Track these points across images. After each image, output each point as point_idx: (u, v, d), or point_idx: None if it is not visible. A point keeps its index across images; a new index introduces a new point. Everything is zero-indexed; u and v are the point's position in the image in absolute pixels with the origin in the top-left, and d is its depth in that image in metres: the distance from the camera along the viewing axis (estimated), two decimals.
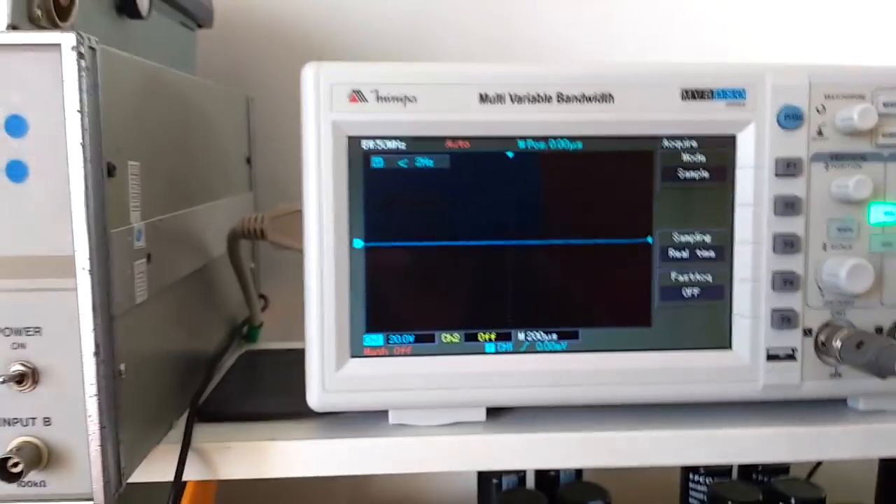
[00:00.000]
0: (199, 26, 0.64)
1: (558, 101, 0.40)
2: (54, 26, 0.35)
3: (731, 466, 0.66)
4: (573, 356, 0.42)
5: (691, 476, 0.66)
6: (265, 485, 0.72)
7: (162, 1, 0.53)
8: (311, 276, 0.40)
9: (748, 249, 0.42)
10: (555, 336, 0.42)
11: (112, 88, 0.33)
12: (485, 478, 0.64)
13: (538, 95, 0.40)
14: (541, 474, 0.65)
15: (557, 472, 0.64)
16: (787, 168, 0.41)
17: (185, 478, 0.39)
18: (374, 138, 0.40)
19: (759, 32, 0.73)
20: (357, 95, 0.39)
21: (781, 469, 0.65)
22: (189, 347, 0.46)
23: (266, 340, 0.63)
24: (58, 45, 0.30)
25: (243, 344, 0.61)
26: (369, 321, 0.41)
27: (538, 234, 0.41)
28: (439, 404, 0.42)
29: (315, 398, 0.41)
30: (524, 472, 0.64)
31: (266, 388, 0.49)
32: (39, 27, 0.34)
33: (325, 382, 0.40)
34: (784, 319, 0.42)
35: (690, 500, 0.66)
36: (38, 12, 0.34)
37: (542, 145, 0.41)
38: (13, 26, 0.32)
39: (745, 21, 0.73)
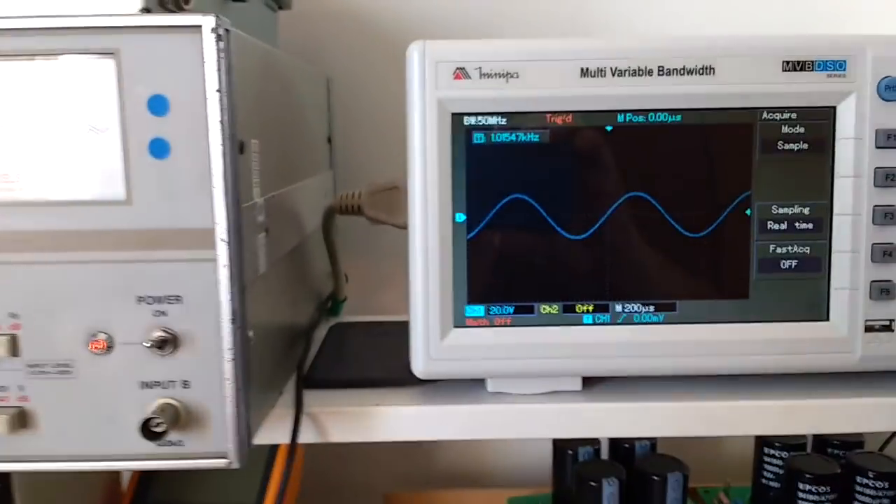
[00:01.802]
0: (280, 7, 0.65)
1: (659, 73, 0.41)
2: (179, 9, 0.37)
3: (806, 441, 0.66)
4: (670, 328, 0.43)
5: (766, 450, 0.66)
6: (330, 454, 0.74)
7: None
8: (415, 250, 0.42)
9: (847, 221, 0.42)
10: (652, 308, 0.43)
11: (240, 69, 0.34)
12: (560, 449, 0.65)
13: (639, 69, 0.41)
14: (616, 446, 0.66)
15: (632, 444, 0.65)
16: (888, 140, 0.41)
17: (298, 441, 0.41)
18: (476, 115, 0.41)
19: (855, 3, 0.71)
20: (461, 73, 0.40)
21: (856, 443, 0.65)
22: (291, 319, 0.48)
23: (345, 314, 0.65)
24: (199, 27, 0.32)
25: (327, 317, 0.63)
26: (471, 293, 0.42)
27: (636, 208, 0.42)
28: (537, 374, 0.44)
29: (420, 366, 0.42)
30: (599, 443, 0.65)
31: (362, 357, 0.51)
32: (167, 10, 0.36)
33: (430, 351, 0.42)
34: (883, 291, 0.42)
35: (765, 473, 0.66)
36: None
37: (641, 119, 0.41)
38: (146, 9, 0.34)
39: None
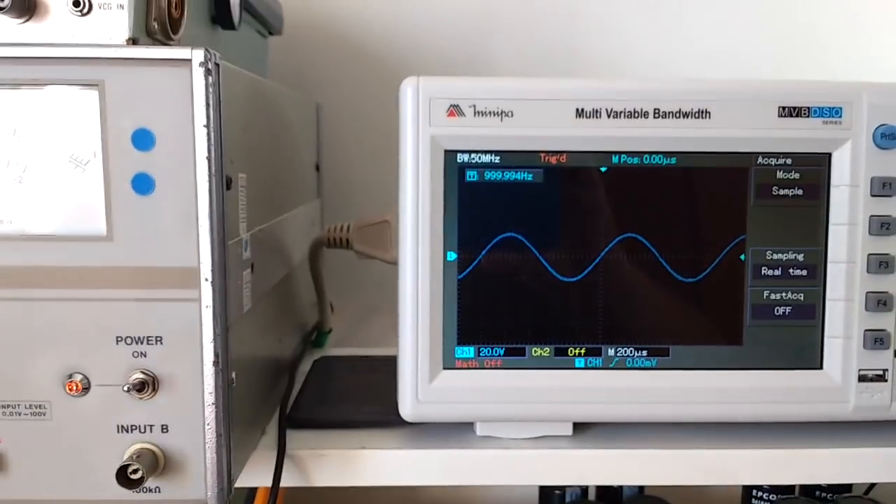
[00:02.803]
0: (270, 33, 0.65)
1: (655, 116, 0.40)
2: (167, 39, 0.36)
3: (795, 484, 0.65)
4: (663, 373, 0.42)
5: (754, 493, 0.65)
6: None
7: (245, 10, 0.53)
8: (405, 288, 0.41)
9: (842, 269, 0.41)
10: (645, 353, 0.42)
11: (228, 102, 0.33)
12: (547, 489, 0.64)
13: (635, 111, 0.40)
14: (603, 487, 0.65)
15: (620, 485, 0.64)
16: (883, 188, 0.41)
17: (281, 484, 0.40)
18: (469, 152, 0.41)
19: (850, 49, 0.72)
20: (455, 110, 0.40)
21: (844, 487, 0.64)
22: (275, 354, 0.47)
23: (331, 346, 0.63)
24: (187, 61, 0.31)
25: (311, 349, 0.62)
26: (461, 333, 0.41)
27: (630, 250, 0.41)
28: (527, 418, 0.42)
29: (408, 409, 0.41)
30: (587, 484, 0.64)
31: (347, 395, 0.50)
32: (155, 40, 0.35)
33: (418, 393, 0.41)
34: (877, 340, 0.41)
35: None
36: (155, 25, 0.35)
37: (635, 160, 0.41)
38: (133, 40, 0.33)
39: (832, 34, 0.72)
